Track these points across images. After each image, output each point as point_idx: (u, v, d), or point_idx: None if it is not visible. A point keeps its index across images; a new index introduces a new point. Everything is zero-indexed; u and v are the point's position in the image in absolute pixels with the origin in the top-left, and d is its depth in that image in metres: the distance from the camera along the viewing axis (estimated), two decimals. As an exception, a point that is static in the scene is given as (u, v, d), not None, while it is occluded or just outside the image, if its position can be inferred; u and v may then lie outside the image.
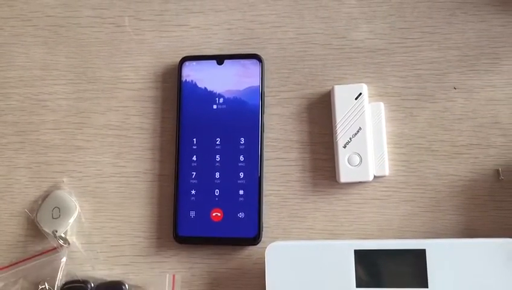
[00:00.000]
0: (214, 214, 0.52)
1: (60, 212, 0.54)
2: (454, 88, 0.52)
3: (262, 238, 0.51)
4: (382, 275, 0.46)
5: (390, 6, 0.53)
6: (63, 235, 0.53)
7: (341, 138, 0.51)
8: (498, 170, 0.50)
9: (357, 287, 0.46)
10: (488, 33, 0.52)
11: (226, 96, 0.53)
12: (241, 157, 0.52)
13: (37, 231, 0.54)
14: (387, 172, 0.51)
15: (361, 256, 0.47)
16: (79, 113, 0.56)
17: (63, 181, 0.55)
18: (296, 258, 0.48)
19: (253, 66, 0.54)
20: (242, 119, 0.53)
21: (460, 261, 0.46)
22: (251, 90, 0.53)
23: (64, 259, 0.53)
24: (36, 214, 0.54)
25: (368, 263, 0.47)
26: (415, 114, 0.52)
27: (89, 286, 0.52)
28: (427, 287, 0.46)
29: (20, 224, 0.55)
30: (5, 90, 0.57)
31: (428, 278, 0.46)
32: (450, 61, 0.52)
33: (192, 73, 0.54)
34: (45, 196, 0.55)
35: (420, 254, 0.46)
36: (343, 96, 0.51)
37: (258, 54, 0.54)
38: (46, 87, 0.57)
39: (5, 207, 0.55)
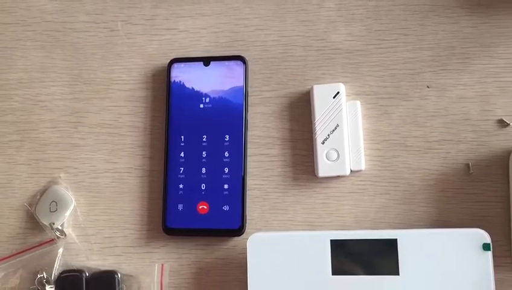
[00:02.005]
0: (200, 207, 0.53)
1: (57, 206, 0.56)
2: (427, 87, 0.53)
3: (246, 230, 0.53)
4: (356, 263, 0.48)
5: (367, 9, 0.55)
6: (59, 228, 0.55)
7: (319, 134, 0.52)
8: (468, 164, 0.51)
9: (333, 274, 0.48)
10: (459, 34, 0.53)
11: (212, 96, 0.55)
12: (226, 154, 0.54)
13: (35, 224, 0.56)
14: (363, 167, 0.52)
15: (337, 246, 0.48)
16: (75, 112, 0.58)
17: (60, 177, 0.57)
18: (276, 248, 0.49)
19: (237, 67, 0.55)
20: (227, 117, 0.54)
21: (430, 250, 0.47)
22: (235, 90, 0.55)
23: (61, 250, 0.54)
24: (35, 208, 0.56)
25: (343, 252, 0.48)
26: (390, 112, 0.53)
27: (84, 275, 0.54)
28: (398, 274, 0.47)
29: (20, 217, 0.57)
30: (6, 91, 0.59)
31: (400, 266, 0.47)
32: (423, 61, 0.53)
33: (181, 74, 0.56)
34: (43, 191, 0.56)
35: (392, 243, 0.48)
36: (321, 95, 0.53)
37: (242, 55, 0.55)
38: (44, 89, 0.59)
39: (6, 201, 0.57)
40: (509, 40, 0.52)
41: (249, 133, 0.55)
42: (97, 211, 0.56)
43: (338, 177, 0.53)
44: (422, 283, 0.46)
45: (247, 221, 0.53)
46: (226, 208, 0.53)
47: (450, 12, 0.53)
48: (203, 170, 0.54)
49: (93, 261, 0.55)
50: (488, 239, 0.46)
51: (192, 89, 0.56)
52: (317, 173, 0.52)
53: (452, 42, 0.53)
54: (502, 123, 0.51)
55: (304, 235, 0.50)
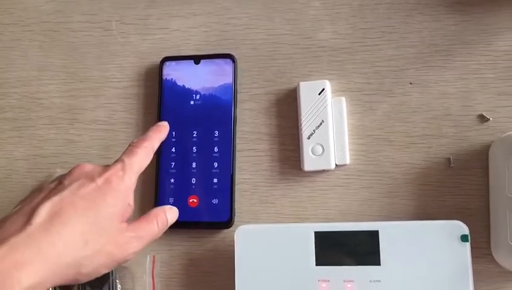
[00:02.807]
0: (190, 201, 0.55)
1: (53, 199, 0.57)
2: (410, 83, 0.54)
3: (235, 222, 0.54)
4: (339, 254, 0.49)
5: (352, 8, 0.56)
6: (56, 221, 0.57)
7: (305, 130, 0.54)
8: (449, 158, 0.52)
9: (316, 265, 0.49)
10: (442, 32, 0.54)
11: (202, 93, 0.56)
12: (216, 149, 0.55)
13: (33, 217, 0.58)
14: (348, 161, 0.53)
15: (320, 237, 0.50)
16: (71, 109, 0.60)
17: (57, 171, 0.58)
18: (262, 239, 0.50)
19: (226, 65, 0.56)
20: (216, 113, 0.56)
21: (410, 242, 0.48)
22: (225, 87, 0.56)
23: (57, 242, 0.56)
24: (33, 202, 0.58)
25: (326, 243, 0.49)
26: (374, 108, 0.54)
27: (79, 266, 0.55)
28: (380, 265, 0.48)
29: (19, 211, 0.59)
30: (5, 89, 0.61)
31: (381, 257, 0.48)
32: (406, 59, 0.54)
33: (172, 72, 0.57)
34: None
35: (373, 235, 0.49)
36: (307, 92, 0.54)
37: (232, 53, 0.57)
38: (42, 87, 0.60)
39: (5, 195, 0.59)
40: (490, 38, 0.53)
41: (238, 128, 0.56)
42: (92, 204, 0.57)
43: (323, 171, 0.54)
44: (403, 273, 0.48)
45: (236, 214, 0.55)
46: (215, 201, 0.54)
47: (433, 10, 0.54)
48: (194, 165, 0.55)
49: (88, 252, 0.56)
50: (466, 231, 0.47)
51: (183, 86, 0.57)
52: (303, 167, 0.53)
53: (435, 40, 0.54)
54: (482, 118, 0.52)
55: (288, 228, 0.51)
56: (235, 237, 0.51)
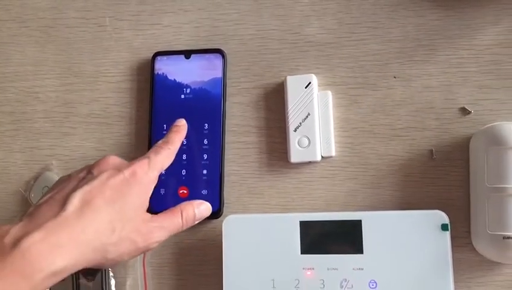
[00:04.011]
0: (181, 191, 0.56)
1: (49, 190, 0.58)
2: (394, 77, 0.54)
3: (224, 213, 0.55)
4: (323, 243, 0.50)
5: (339, 3, 0.56)
6: (51, 211, 0.58)
7: (292, 122, 0.54)
8: (432, 150, 0.53)
9: (301, 253, 0.50)
10: (426, 27, 0.54)
11: (193, 87, 0.57)
12: (205, 141, 0.56)
13: (29, 208, 0.59)
14: (333, 153, 0.54)
15: (305, 227, 0.50)
16: (66, 103, 0.60)
17: (52, 163, 0.60)
18: (250, 229, 0.51)
19: (216, 60, 0.57)
20: (206, 107, 0.56)
21: (392, 231, 0.49)
22: (214, 81, 0.57)
23: (52, 232, 0.57)
24: (29, 193, 0.59)
25: (311, 232, 0.50)
26: (359, 101, 0.55)
27: (74, 255, 0.56)
28: (362, 253, 0.49)
29: (15, 201, 0.60)
30: (3, 84, 0.62)
31: (364, 246, 0.49)
32: (391, 53, 0.55)
33: (163, 67, 0.58)
34: (37, 177, 0.59)
35: (356, 224, 0.49)
36: (294, 85, 0.55)
37: (222, 48, 0.57)
38: (38, 81, 0.61)
39: (3, 187, 0.60)
40: (473, 32, 0.53)
41: (227, 121, 0.57)
42: (86, 195, 0.58)
43: (310, 163, 0.55)
44: (385, 261, 0.48)
45: (225, 205, 0.55)
46: (204, 192, 0.55)
47: (417, 6, 0.55)
48: (184, 157, 0.56)
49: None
50: (446, 220, 0.48)
51: (174, 80, 0.58)
52: (290, 159, 0.54)
53: (418, 35, 0.54)
54: (464, 111, 0.53)
55: (275, 217, 0.52)
56: (223, 226, 0.52)
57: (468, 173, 0.51)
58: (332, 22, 0.56)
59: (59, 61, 0.61)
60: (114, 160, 0.48)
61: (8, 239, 0.40)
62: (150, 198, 0.55)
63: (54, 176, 0.59)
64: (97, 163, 0.48)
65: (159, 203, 0.56)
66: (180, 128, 0.52)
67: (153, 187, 0.47)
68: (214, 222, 0.55)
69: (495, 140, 0.48)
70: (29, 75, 0.62)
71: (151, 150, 0.49)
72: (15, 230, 0.41)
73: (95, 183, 0.44)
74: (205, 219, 0.55)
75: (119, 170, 0.46)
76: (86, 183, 0.45)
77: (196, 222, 0.50)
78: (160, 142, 0.50)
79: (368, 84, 0.55)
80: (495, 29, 0.53)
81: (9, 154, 0.61)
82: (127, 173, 0.46)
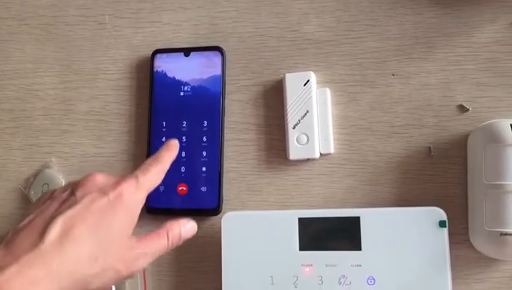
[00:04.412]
0: (180, 188, 0.56)
1: (48, 188, 0.58)
2: (393, 75, 0.54)
3: (223, 210, 0.55)
4: (322, 240, 0.50)
5: (337, 1, 0.56)
6: (51, 208, 0.58)
7: (291, 120, 0.54)
8: (430, 148, 0.53)
9: (300, 250, 0.50)
10: (423, 24, 0.54)
11: (192, 85, 0.57)
12: (204, 138, 0.56)
13: (29, 205, 0.59)
14: (332, 150, 0.54)
15: (304, 223, 0.50)
16: (65, 101, 0.60)
17: (52, 161, 0.60)
18: (248, 225, 0.51)
19: (215, 57, 0.57)
20: (205, 104, 0.57)
21: (390, 227, 0.49)
22: (213, 79, 0.57)
23: (52, 228, 0.57)
24: (29, 190, 0.59)
25: (309, 229, 0.50)
26: (357, 98, 0.55)
27: (73, 252, 0.56)
28: (361, 249, 0.49)
29: (15, 198, 0.60)
30: (3, 81, 0.62)
31: (362, 242, 0.49)
32: (389, 51, 0.55)
33: (163, 64, 0.58)
34: (36, 174, 0.59)
35: (355, 221, 0.50)
36: (293, 83, 0.55)
37: (220, 46, 0.57)
38: (38, 79, 0.61)
39: (2, 184, 0.60)
40: (470, 30, 0.53)
41: (226, 119, 0.57)
42: (86, 192, 0.58)
43: (308, 160, 0.55)
44: (383, 258, 0.48)
45: (224, 201, 0.55)
46: (203, 189, 0.55)
47: (415, 3, 0.55)
48: (183, 154, 0.56)
49: (82, 239, 0.57)
50: (444, 217, 0.48)
51: (174, 78, 0.58)
52: (289, 156, 0.54)
53: (416, 32, 0.54)
54: (462, 108, 0.53)
55: (273, 214, 0.52)
56: (222, 223, 0.52)
57: (466, 170, 0.51)
58: (330, 19, 0.56)
59: (59, 59, 0.61)
60: (100, 179, 0.44)
61: None
62: (149, 194, 0.56)
63: (53, 173, 0.59)
64: (82, 183, 0.44)
65: (158, 200, 0.56)
66: (172, 147, 0.49)
67: (140, 209, 0.44)
68: (213, 218, 0.56)
69: (493, 137, 0.48)
70: (29, 72, 0.62)
71: (139, 168, 0.46)
72: None
73: (77, 207, 0.41)
74: (204, 215, 0.55)
75: (104, 192, 0.43)
76: (69, 207, 0.42)
77: (181, 242, 0.47)
78: (149, 159, 0.47)
79: (366, 82, 0.55)
80: (492, 27, 0.53)
81: (8, 151, 0.61)
82: (112, 195, 0.42)
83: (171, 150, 0.48)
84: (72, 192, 0.44)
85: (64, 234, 0.40)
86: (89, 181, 0.44)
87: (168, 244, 0.45)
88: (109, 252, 0.42)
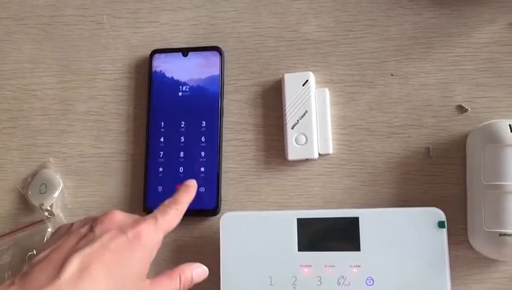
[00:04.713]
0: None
1: (46, 188, 0.58)
2: (392, 75, 0.54)
3: (221, 210, 0.55)
4: (321, 240, 0.50)
5: (336, 2, 0.56)
6: (48, 209, 0.57)
7: (289, 120, 0.54)
8: (429, 148, 0.53)
9: (298, 251, 0.50)
10: (423, 25, 0.54)
11: (190, 85, 0.57)
12: (203, 139, 0.56)
13: (27, 205, 0.58)
14: (331, 150, 0.54)
15: (303, 224, 0.50)
16: (63, 101, 0.60)
17: (49, 161, 0.59)
18: (247, 226, 0.51)
19: (214, 57, 0.57)
20: (204, 104, 0.56)
21: (389, 228, 0.49)
22: (212, 79, 0.57)
23: (49, 229, 0.57)
24: (26, 190, 0.58)
25: (308, 229, 0.50)
26: (356, 98, 0.55)
27: (71, 252, 0.56)
28: (359, 250, 0.49)
29: (13, 199, 0.59)
30: (0, 81, 0.61)
31: (361, 243, 0.49)
32: (388, 51, 0.55)
33: (161, 64, 0.58)
34: (34, 174, 0.59)
35: (353, 222, 0.49)
36: (291, 83, 0.54)
37: (219, 46, 0.57)
38: (35, 79, 0.61)
39: (0, 184, 0.60)
40: (469, 30, 0.53)
41: (225, 119, 0.56)
42: (84, 193, 0.58)
43: (307, 160, 0.54)
44: (382, 259, 0.48)
45: (223, 202, 0.55)
46: (202, 189, 0.55)
47: (414, 4, 0.55)
48: (181, 154, 0.56)
49: (80, 239, 0.57)
50: (443, 217, 0.48)
51: (172, 78, 0.58)
52: (287, 156, 0.54)
53: (415, 32, 0.54)
54: (461, 109, 0.53)
55: (272, 215, 0.52)
56: (220, 224, 0.52)
57: (465, 171, 0.51)
58: (329, 19, 0.56)
59: (57, 59, 0.61)
60: (119, 216, 0.44)
61: None
62: (148, 195, 0.56)
63: (51, 173, 0.58)
64: (101, 219, 0.44)
65: (157, 201, 0.55)
66: (190, 189, 0.49)
67: (156, 250, 0.44)
68: (211, 219, 0.55)
69: (492, 138, 0.48)
70: (27, 72, 0.61)
71: (158, 209, 0.46)
72: None
73: (95, 245, 0.41)
74: (202, 216, 0.55)
75: (123, 230, 0.42)
76: (87, 244, 0.41)
77: (191, 285, 0.47)
78: (167, 201, 0.47)
79: (365, 82, 0.55)
80: (491, 27, 0.53)
81: (6, 151, 0.60)
82: (130, 234, 0.42)
83: (189, 192, 0.49)
84: (90, 228, 0.43)
85: (82, 271, 0.39)
86: (107, 218, 0.44)
87: (179, 287, 0.46)
88: None
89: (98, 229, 0.43)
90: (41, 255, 0.41)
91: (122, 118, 0.59)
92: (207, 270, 0.48)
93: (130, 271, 0.42)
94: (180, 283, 0.45)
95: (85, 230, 0.43)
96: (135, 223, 0.44)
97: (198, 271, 0.47)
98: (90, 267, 0.40)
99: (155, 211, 0.46)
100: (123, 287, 0.41)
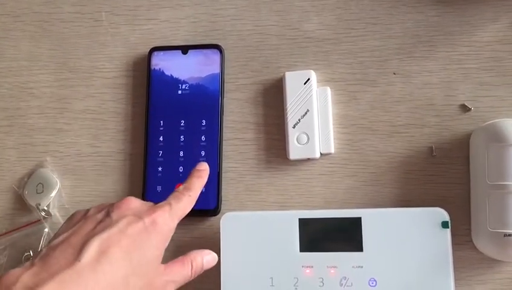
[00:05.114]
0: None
1: (43, 187, 0.57)
2: (394, 73, 0.54)
3: (222, 210, 0.54)
4: (323, 241, 0.49)
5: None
6: (45, 209, 0.56)
7: (291, 119, 0.53)
8: (431, 147, 0.52)
9: (300, 251, 0.49)
10: (425, 23, 0.54)
11: (190, 83, 0.56)
12: (203, 138, 0.55)
13: (23, 205, 0.57)
14: (332, 150, 0.53)
15: (304, 224, 0.50)
16: (61, 99, 0.59)
17: (46, 160, 0.58)
18: (248, 226, 0.51)
19: (214, 55, 0.56)
20: (204, 103, 0.56)
21: (392, 228, 0.48)
22: (212, 77, 0.56)
23: (46, 229, 0.56)
24: (23, 190, 0.58)
25: (310, 230, 0.49)
26: (358, 97, 0.54)
27: (68, 253, 0.55)
28: (362, 251, 0.48)
29: (9, 198, 0.58)
30: (-4, 79, 0.61)
31: (363, 243, 0.48)
32: (390, 49, 0.54)
33: (160, 62, 0.57)
34: (30, 174, 0.58)
35: (356, 222, 0.49)
36: (293, 81, 0.54)
37: (219, 44, 0.57)
38: (32, 77, 0.60)
39: (-4, 183, 0.59)
40: (472, 29, 0.53)
41: (225, 118, 0.56)
42: (81, 192, 0.57)
43: (308, 160, 0.54)
44: (385, 259, 0.48)
45: (223, 202, 0.55)
46: (202, 189, 0.54)
47: (416, 2, 0.54)
48: (181, 153, 0.55)
49: (77, 240, 0.56)
50: (446, 217, 0.47)
51: (171, 76, 0.57)
52: (289, 155, 0.53)
53: (418, 31, 0.54)
54: (464, 108, 0.52)
55: (273, 215, 0.51)
56: (220, 224, 0.51)
57: (468, 170, 0.51)
58: (331, 17, 0.56)
59: (54, 57, 0.60)
60: (135, 203, 0.46)
61: (19, 288, 0.37)
62: (145, 195, 0.55)
63: (48, 172, 0.57)
64: (117, 205, 0.45)
65: (156, 201, 0.54)
66: (202, 173, 0.50)
67: (170, 236, 0.46)
68: (211, 219, 0.55)
69: (496, 137, 0.48)
70: (24, 70, 0.60)
71: (171, 195, 0.47)
72: (26, 277, 0.38)
73: (113, 230, 0.42)
74: (203, 216, 0.54)
75: (139, 216, 0.43)
76: (104, 229, 0.42)
77: (201, 272, 0.48)
78: (181, 187, 0.48)
79: (367, 81, 0.54)
80: (495, 26, 0.53)
81: (2, 150, 0.59)
82: (147, 221, 0.43)
83: (201, 176, 0.50)
84: (107, 213, 0.44)
85: (100, 255, 0.40)
86: (124, 204, 0.45)
87: (191, 275, 0.47)
88: (141, 278, 0.42)
89: (114, 215, 0.44)
90: (60, 238, 0.42)
91: (120, 116, 0.58)
92: (216, 257, 0.49)
93: (147, 256, 0.43)
94: (192, 269, 0.47)
95: (101, 215, 0.44)
96: (151, 210, 0.45)
97: (208, 258, 0.48)
98: (109, 251, 0.41)
99: (169, 198, 0.47)
100: (140, 271, 0.42)
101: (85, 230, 0.43)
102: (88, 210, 0.46)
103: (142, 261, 0.42)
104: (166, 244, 0.45)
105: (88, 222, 0.44)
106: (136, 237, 0.42)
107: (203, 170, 0.50)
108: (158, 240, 0.44)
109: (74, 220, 0.45)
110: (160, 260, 0.44)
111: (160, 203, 0.46)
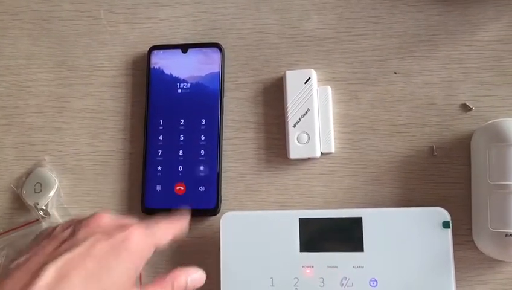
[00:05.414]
0: (177, 188, 0.54)
1: (41, 187, 0.57)
2: (395, 73, 0.54)
3: (221, 210, 0.54)
4: (323, 241, 0.49)
5: (338, -2, 0.56)
6: (44, 208, 0.56)
7: (291, 118, 0.53)
8: (432, 147, 0.52)
9: (301, 251, 0.49)
10: (426, 22, 0.54)
11: (190, 82, 0.56)
12: (203, 137, 0.55)
13: (21, 204, 0.57)
14: (333, 149, 0.53)
15: (305, 224, 0.49)
16: (59, 98, 0.59)
17: (45, 159, 0.58)
18: (248, 226, 0.50)
19: (214, 54, 0.56)
20: (203, 102, 0.55)
21: (393, 228, 0.48)
22: (212, 76, 0.56)
23: (45, 229, 0.56)
24: (21, 189, 0.57)
25: (310, 230, 0.49)
26: (359, 97, 0.54)
27: (67, 253, 0.55)
28: (363, 251, 0.48)
29: (7, 198, 0.58)
30: (-6, 78, 0.61)
31: (364, 243, 0.48)
32: (391, 48, 0.54)
33: (160, 61, 0.57)
34: (29, 173, 0.57)
35: (357, 222, 0.49)
36: (293, 80, 0.54)
37: (219, 43, 0.56)
38: (30, 75, 0.60)
39: (-6, 183, 0.59)
40: (473, 28, 0.53)
41: (225, 117, 0.55)
42: (80, 192, 0.57)
43: (309, 159, 0.54)
44: (386, 259, 0.47)
45: (223, 201, 0.54)
46: (202, 189, 0.54)
47: (417, 1, 0.54)
48: (180, 153, 0.55)
49: (76, 239, 0.56)
50: (448, 217, 0.47)
51: (171, 75, 0.56)
52: (289, 155, 0.53)
53: (419, 30, 0.54)
54: (465, 107, 0.52)
55: (273, 214, 0.51)
56: (220, 223, 0.51)
57: (469, 170, 0.51)
58: (331, 16, 0.55)
59: (52, 55, 0.60)
60: (105, 219, 0.41)
61: None
62: (146, 194, 0.55)
63: (46, 172, 0.57)
64: (85, 222, 0.41)
65: (155, 200, 0.55)
66: (183, 220, 0.46)
67: (146, 258, 0.41)
68: (211, 219, 0.54)
69: (497, 137, 0.47)
70: (22, 68, 0.60)
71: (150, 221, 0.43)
72: None
73: (77, 250, 0.38)
74: (202, 215, 0.54)
75: (109, 233, 0.39)
76: (67, 249, 0.38)
77: None
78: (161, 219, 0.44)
79: (368, 80, 0.54)
80: (496, 25, 0.52)
81: (0, 149, 0.59)
82: (118, 238, 0.39)
83: (184, 220, 0.46)
84: (73, 232, 0.40)
85: (59, 279, 0.36)
86: (93, 221, 0.41)
87: None
88: None
89: (81, 233, 0.40)
90: (22, 258, 0.38)
91: (119, 115, 0.58)
92: (204, 275, 0.44)
93: (115, 278, 0.38)
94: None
95: (67, 234, 0.40)
96: (123, 227, 0.40)
97: (194, 276, 0.44)
98: (69, 276, 0.36)
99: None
100: None
101: (47, 250, 0.39)
102: (56, 227, 0.42)
103: (108, 286, 0.38)
104: (141, 264, 0.40)
105: (52, 241, 0.40)
106: (103, 258, 0.38)
107: (182, 219, 0.46)
108: (129, 259, 0.39)
109: (40, 238, 0.42)
110: (134, 281, 0.40)
111: (136, 221, 0.42)
